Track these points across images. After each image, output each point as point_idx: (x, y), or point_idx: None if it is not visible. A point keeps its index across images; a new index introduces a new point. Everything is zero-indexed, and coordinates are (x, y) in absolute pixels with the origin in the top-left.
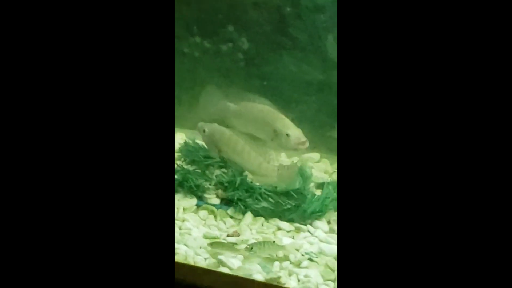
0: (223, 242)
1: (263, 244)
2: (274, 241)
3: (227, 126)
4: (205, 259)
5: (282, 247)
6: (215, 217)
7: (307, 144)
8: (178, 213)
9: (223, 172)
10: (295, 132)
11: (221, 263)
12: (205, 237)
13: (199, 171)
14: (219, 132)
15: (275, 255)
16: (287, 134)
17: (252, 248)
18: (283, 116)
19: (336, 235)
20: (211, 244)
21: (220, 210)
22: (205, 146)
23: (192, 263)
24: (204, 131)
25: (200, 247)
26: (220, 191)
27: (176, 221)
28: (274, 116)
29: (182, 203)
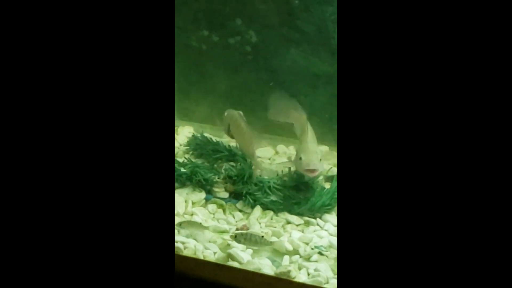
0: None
1: (249, 236)
2: (263, 236)
3: None
4: (214, 253)
5: (271, 243)
6: (224, 211)
7: (315, 174)
8: (187, 207)
9: (232, 166)
10: (307, 158)
11: (230, 257)
12: (214, 231)
13: (207, 164)
14: (231, 114)
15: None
16: (300, 158)
17: (236, 237)
18: (307, 137)
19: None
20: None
21: (229, 204)
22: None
23: (201, 257)
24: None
25: (210, 241)
26: (229, 185)
27: (185, 215)
28: (302, 134)
29: (191, 197)
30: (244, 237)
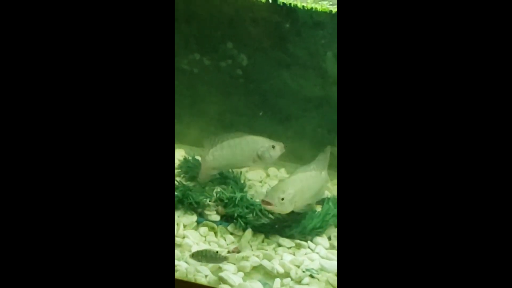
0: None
1: (204, 253)
2: (217, 252)
3: None
4: (205, 276)
5: (225, 257)
6: (216, 233)
7: (268, 206)
8: (179, 230)
9: (223, 189)
10: (269, 190)
11: (222, 280)
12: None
13: (199, 187)
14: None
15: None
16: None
17: (193, 255)
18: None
19: (336, 251)
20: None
21: (220, 226)
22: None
23: (192, 280)
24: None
25: (201, 264)
26: (220, 208)
27: (176, 238)
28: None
29: (182, 220)
30: (201, 254)
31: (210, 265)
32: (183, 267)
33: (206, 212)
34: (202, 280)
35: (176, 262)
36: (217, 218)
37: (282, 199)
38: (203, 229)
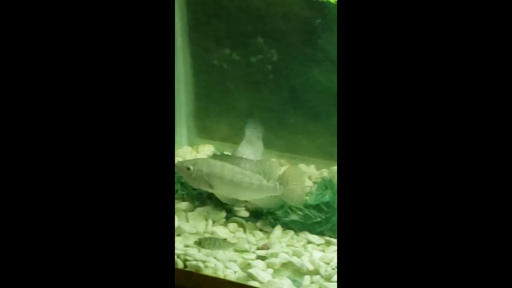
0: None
1: (213, 240)
2: (225, 239)
3: None
4: (234, 272)
5: (233, 244)
6: (245, 230)
7: None
8: (208, 226)
9: None
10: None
11: (251, 276)
12: (235, 250)
13: None
14: (208, 164)
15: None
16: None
17: (200, 242)
18: None
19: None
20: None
21: (249, 223)
22: (192, 184)
23: (222, 276)
24: (188, 168)
25: (230, 260)
26: (249, 204)
27: (205, 234)
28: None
29: (212, 216)
30: (208, 242)
31: (219, 252)
32: (213, 263)
33: (235, 208)
34: (232, 276)
35: (205, 258)
36: (246, 214)
37: (188, 168)
38: (232, 225)
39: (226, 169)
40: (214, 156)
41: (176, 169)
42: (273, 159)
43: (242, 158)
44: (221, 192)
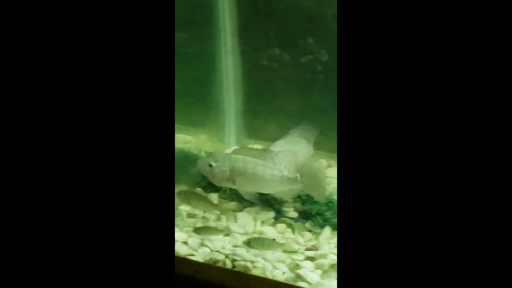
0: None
1: (261, 240)
2: (274, 239)
3: None
4: (283, 273)
5: (282, 244)
6: (293, 230)
7: None
8: (256, 226)
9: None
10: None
11: (299, 277)
12: (284, 250)
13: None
14: (230, 160)
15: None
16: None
17: (249, 243)
18: None
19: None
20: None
21: (298, 223)
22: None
23: (270, 277)
24: (210, 165)
25: (278, 261)
26: (298, 205)
27: (253, 234)
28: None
29: (260, 216)
30: (257, 242)
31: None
32: (261, 263)
33: (284, 208)
34: (280, 277)
35: (254, 258)
36: (295, 215)
37: (210, 165)
38: (281, 226)
39: (248, 162)
40: (234, 151)
41: (198, 168)
42: (322, 160)
43: (261, 149)
44: (244, 187)
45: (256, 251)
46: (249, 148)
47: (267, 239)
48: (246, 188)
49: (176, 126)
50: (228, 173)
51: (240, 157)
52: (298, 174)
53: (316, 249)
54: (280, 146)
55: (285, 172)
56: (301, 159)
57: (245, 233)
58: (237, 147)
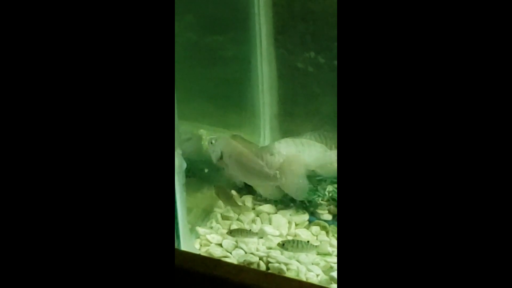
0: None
1: (296, 243)
2: (308, 241)
3: None
4: (317, 275)
5: (316, 247)
6: (327, 233)
7: None
8: (290, 228)
9: (336, 188)
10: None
11: (333, 280)
12: (318, 253)
13: (311, 186)
14: (225, 143)
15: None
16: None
17: (284, 245)
18: None
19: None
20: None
21: (332, 226)
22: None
23: (304, 279)
24: (211, 143)
25: (312, 263)
26: (332, 207)
27: (288, 237)
28: None
29: (295, 218)
30: (291, 244)
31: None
32: (295, 265)
33: (318, 211)
34: (314, 279)
35: (288, 260)
36: (329, 217)
37: (211, 143)
38: (315, 228)
39: (237, 150)
40: (233, 136)
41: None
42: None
43: (254, 143)
44: (232, 172)
45: (291, 253)
46: (245, 139)
47: (301, 241)
48: (235, 175)
49: (212, 128)
50: (220, 155)
51: (233, 143)
52: (277, 172)
53: None
54: (285, 145)
55: (265, 169)
56: (310, 163)
57: (280, 235)
58: (236, 134)
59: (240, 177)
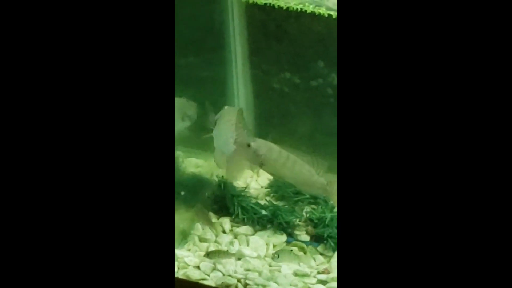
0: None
1: (289, 253)
2: (291, 250)
3: None
4: None
5: (233, 254)
6: (305, 253)
7: None
8: (268, 250)
9: (313, 209)
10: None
11: None
12: (295, 274)
13: (288, 207)
14: (267, 147)
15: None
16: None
17: (279, 256)
18: None
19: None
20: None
21: (310, 247)
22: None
23: None
24: (249, 145)
25: (291, 285)
26: (310, 228)
27: (265, 258)
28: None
29: (272, 240)
30: (286, 254)
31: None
32: (273, 287)
33: (296, 232)
34: None
35: (266, 282)
36: (306, 238)
37: (249, 145)
38: (293, 249)
39: (282, 154)
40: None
41: (235, 144)
42: None
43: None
44: (270, 170)
45: (269, 275)
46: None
47: (221, 250)
48: (273, 172)
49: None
50: (262, 157)
51: (276, 147)
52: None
53: (328, 273)
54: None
55: (315, 176)
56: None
57: (257, 257)
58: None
59: (282, 176)
